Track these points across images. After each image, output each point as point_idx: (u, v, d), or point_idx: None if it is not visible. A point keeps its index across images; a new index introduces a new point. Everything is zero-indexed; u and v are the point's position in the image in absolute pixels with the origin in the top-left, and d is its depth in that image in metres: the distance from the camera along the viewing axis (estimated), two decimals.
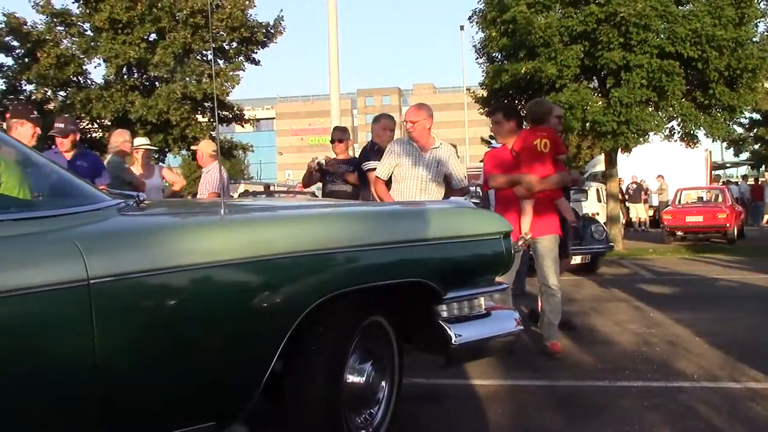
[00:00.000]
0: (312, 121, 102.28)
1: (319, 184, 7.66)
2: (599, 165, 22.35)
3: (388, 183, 5.59)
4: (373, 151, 6.30)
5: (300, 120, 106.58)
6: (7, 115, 5.43)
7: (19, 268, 2.28)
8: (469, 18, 16.06)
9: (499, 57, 15.88)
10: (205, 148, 7.84)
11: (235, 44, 19.71)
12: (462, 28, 39.09)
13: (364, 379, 3.08)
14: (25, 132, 5.10)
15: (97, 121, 19.17)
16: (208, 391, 2.63)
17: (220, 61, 19.88)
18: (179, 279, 2.51)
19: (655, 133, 15.25)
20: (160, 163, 17.18)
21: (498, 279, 3.61)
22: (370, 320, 3.13)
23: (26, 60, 18.62)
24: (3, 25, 18.18)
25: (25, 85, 18.97)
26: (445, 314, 3.22)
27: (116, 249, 2.46)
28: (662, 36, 13.90)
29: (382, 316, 3.21)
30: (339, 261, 2.90)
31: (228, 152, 22.16)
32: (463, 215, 3.60)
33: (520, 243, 4.95)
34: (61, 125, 5.96)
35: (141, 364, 2.45)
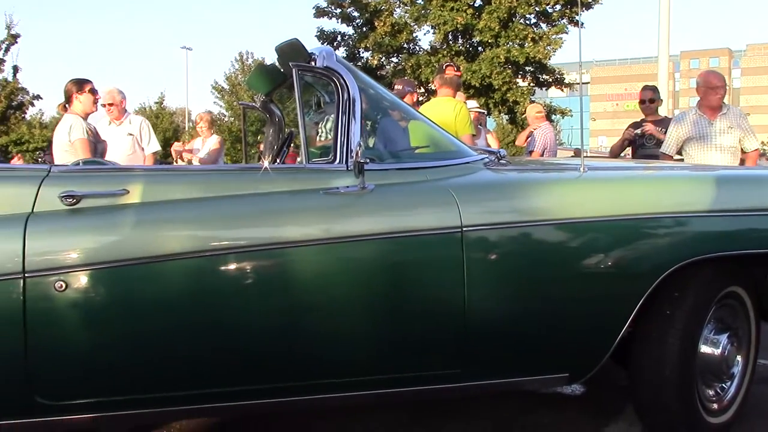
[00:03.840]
0: (628, 86, 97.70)
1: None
2: None
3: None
4: None
5: (616, 85, 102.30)
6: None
7: (403, 213, 2.55)
8: None
9: None
10: (530, 111, 8.21)
11: (558, 7, 19.47)
12: None
13: (718, 351, 2.93)
14: None
15: (425, 85, 20.24)
16: (561, 344, 2.70)
17: (543, 25, 19.81)
18: (542, 233, 2.60)
19: None
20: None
21: None
22: (729, 291, 2.97)
23: (364, 29, 20.20)
24: None
25: (363, 52, 20.58)
26: None
27: (486, 200, 2.64)
28: None
29: (742, 288, 3.02)
30: (701, 226, 2.78)
31: (546, 117, 22.10)
32: None
33: None
34: (399, 87, 6.45)
35: (504, 312, 2.60)
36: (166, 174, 2.65)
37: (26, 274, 2.18)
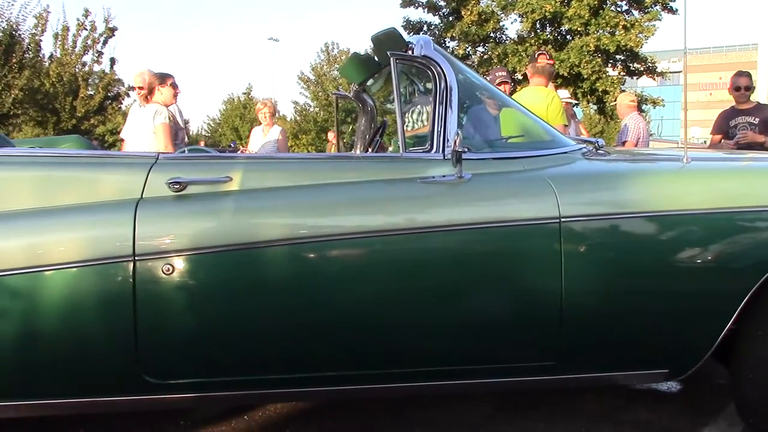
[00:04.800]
0: (723, 75, 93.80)
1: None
2: None
3: None
4: None
5: (710, 74, 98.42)
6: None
7: (501, 203, 2.53)
8: None
9: None
10: (622, 99, 8.01)
11: None
12: None
13: None
14: None
15: (511, 75, 19.98)
16: (662, 340, 2.63)
17: (635, 12, 19.22)
18: (643, 225, 2.54)
19: None
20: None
21: None
22: None
23: (450, 18, 20.07)
24: None
25: (449, 42, 20.45)
26: None
27: (585, 191, 2.60)
28: None
29: None
30: None
31: (637, 106, 21.44)
32: None
33: None
34: (503, 73, 6.40)
35: (602, 305, 2.54)
36: (266, 162, 2.70)
37: (136, 258, 2.27)
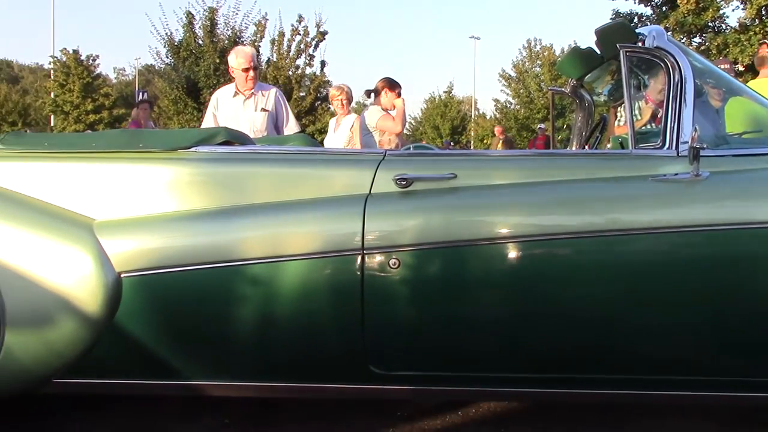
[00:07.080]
0: None
1: None
2: None
3: None
4: None
5: None
6: None
7: (743, 203, 2.39)
8: None
9: None
10: None
11: None
12: None
13: None
14: None
15: (733, 66, 18.58)
16: None
17: None
18: None
19: None
20: None
21: None
22: None
23: (664, 9, 19.03)
24: None
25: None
26: None
27: None
28: None
29: None
30: None
31: None
32: None
33: None
34: (726, 66, 6.02)
35: None
36: (489, 159, 2.70)
37: (365, 251, 2.35)
